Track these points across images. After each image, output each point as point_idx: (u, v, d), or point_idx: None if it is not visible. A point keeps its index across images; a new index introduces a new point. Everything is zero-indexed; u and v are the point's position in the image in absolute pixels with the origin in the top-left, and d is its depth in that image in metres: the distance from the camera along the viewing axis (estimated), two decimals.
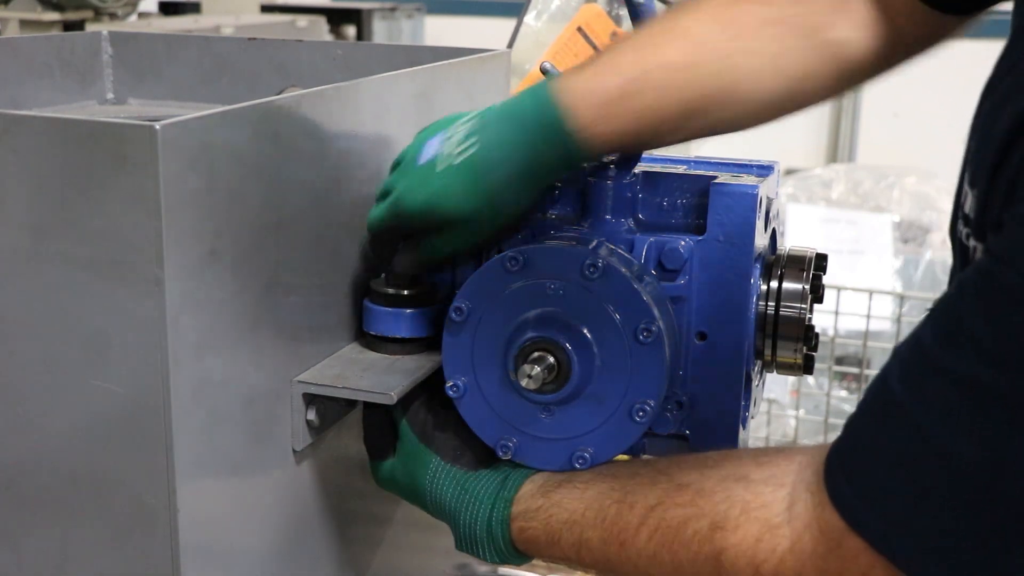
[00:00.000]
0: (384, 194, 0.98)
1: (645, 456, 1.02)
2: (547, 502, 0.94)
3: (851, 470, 0.78)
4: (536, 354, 0.90)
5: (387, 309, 1.01)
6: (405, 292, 1.01)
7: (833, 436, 0.88)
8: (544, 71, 0.97)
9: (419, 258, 1.01)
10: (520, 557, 0.97)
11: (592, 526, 0.91)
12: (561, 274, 0.92)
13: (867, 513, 0.77)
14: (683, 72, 0.91)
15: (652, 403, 0.92)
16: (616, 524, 0.90)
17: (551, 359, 0.90)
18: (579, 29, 2.00)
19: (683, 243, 0.96)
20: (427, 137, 0.96)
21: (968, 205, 0.79)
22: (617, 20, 2.16)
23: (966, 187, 0.80)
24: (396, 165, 0.99)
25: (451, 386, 0.96)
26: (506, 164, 0.91)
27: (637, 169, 1.00)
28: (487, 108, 0.94)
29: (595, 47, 2.02)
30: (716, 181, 0.97)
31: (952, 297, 0.75)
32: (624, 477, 0.93)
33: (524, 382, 0.89)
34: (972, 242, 0.79)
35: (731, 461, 0.89)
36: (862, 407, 0.80)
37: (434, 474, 0.98)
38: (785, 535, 0.82)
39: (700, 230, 0.97)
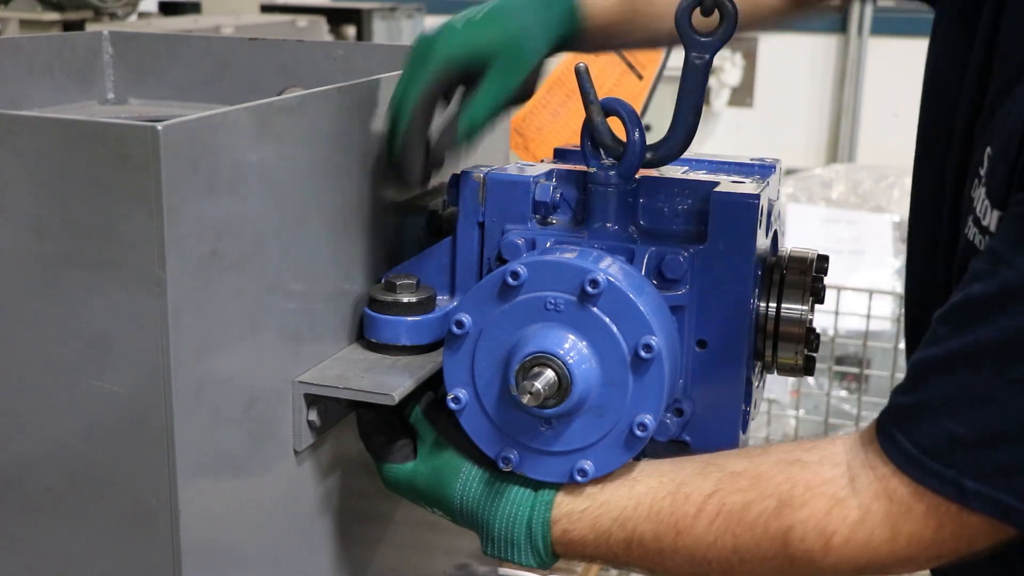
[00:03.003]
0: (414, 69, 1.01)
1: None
2: (593, 503, 0.95)
3: (913, 431, 0.83)
4: (536, 369, 0.90)
5: (388, 317, 1.01)
6: (404, 300, 1.01)
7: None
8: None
9: (460, 131, 1.03)
10: (555, 559, 0.97)
11: (645, 520, 0.92)
12: (562, 288, 0.92)
13: (937, 468, 0.81)
14: None
15: (652, 417, 0.92)
16: (672, 515, 0.91)
17: (552, 374, 0.90)
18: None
19: (683, 254, 0.96)
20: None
21: (979, 203, 0.83)
22: None
23: (979, 189, 0.84)
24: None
25: (452, 398, 0.96)
26: (523, 12, 1.01)
27: (638, 175, 1.00)
28: None
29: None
30: (717, 189, 0.97)
31: (990, 253, 0.80)
32: (671, 471, 0.94)
33: (525, 399, 0.89)
34: (981, 238, 0.83)
35: (777, 448, 0.93)
36: (909, 382, 0.85)
37: (466, 479, 0.97)
38: (854, 506, 0.85)
39: (701, 236, 0.97)
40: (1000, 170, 0.81)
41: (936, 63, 1.01)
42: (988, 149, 0.85)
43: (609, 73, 2.11)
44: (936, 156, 0.98)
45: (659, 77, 2.22)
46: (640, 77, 2.15)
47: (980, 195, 0.84)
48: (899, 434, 0.84)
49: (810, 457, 0.89)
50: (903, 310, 1.08)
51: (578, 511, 0.95)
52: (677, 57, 0.97)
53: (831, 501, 0.86)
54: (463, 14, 1.02)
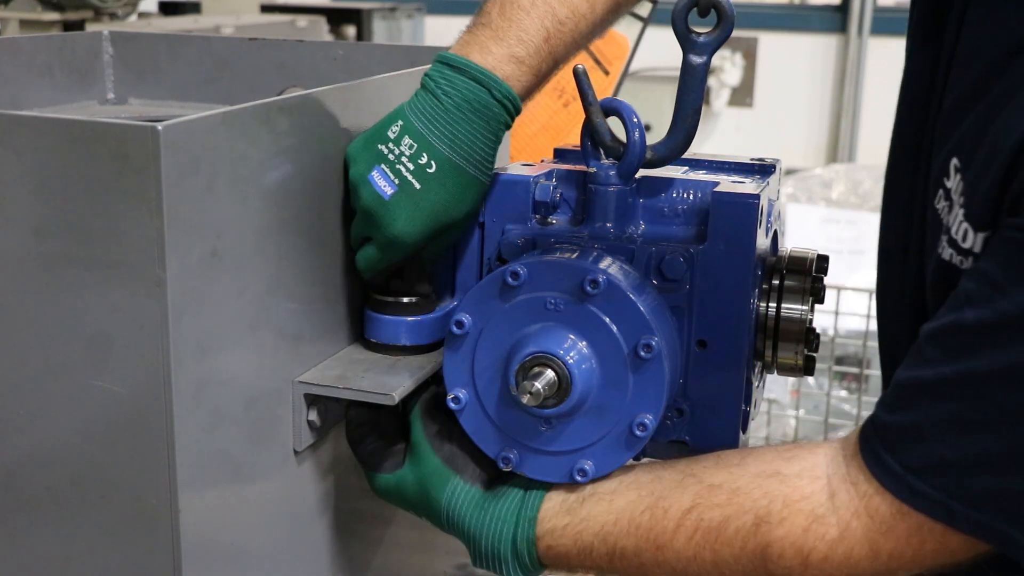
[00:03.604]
0: (362, 240, 0.98)
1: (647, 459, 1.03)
2: (574, 519, 0.95)
3: (901, 452, 0.82)
4: (536, 369, 0.90)
5: (388, 317, 1.01)
6: (405, 300, 1.01)
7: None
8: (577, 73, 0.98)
9: (426, 268, 1.03)
10: (543, 568, 0.98)
11: (625, 535, 0.92)
12: (561, 289, 0.92)
13: (925, 489, 0.81)
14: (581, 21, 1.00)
15: (652, 417, 0.92)
16: (652, 530, 0.91)
17: (552, 374, 0.90)
18: None
19: (683, 254, 0.96)
20: (365, 174, 0.95)
21: (955, 224, 0.82)
22: None
23: (951, 206, 0.83)
24: (360, 213, 0.97)
25: (452, 398, 0.96)
26: (478, 146, 0.95)
27: (638, 175, 1.00)
28: (401, 113, 0.95)
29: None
30: (717, 189, 0.97)
31: (983, 277, 0.78)
32: (649, 483, 0.94)
33: (525, 399, 0.89)
34: (960, 257, 0.82)
35: (755, 458, 0.92)
36: (897, 400, 0.84)
37: (452, 493, 0.98)
38: (832, 524, 0.85)
39: (701, 236, 0.97)
40: (980, 192, 0.80)
41: (906, 79, 1.01)
42: (954, 160, 0.84)
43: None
44: (906, 168, 0.98)
45: (625, 72, 2.23)
46: (607, 72, 2.17)
47: (956, 216, 0.83)
48: (886, 454, 0.83)
49: (789, 469, 0.89)
50: (876, 322, 1.07)
51: (560, 527, 0.95)
52: (674, 57, 0.97)
53: (809, 518, 0.86)
54: (401, 161, 0.94)
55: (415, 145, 0.93)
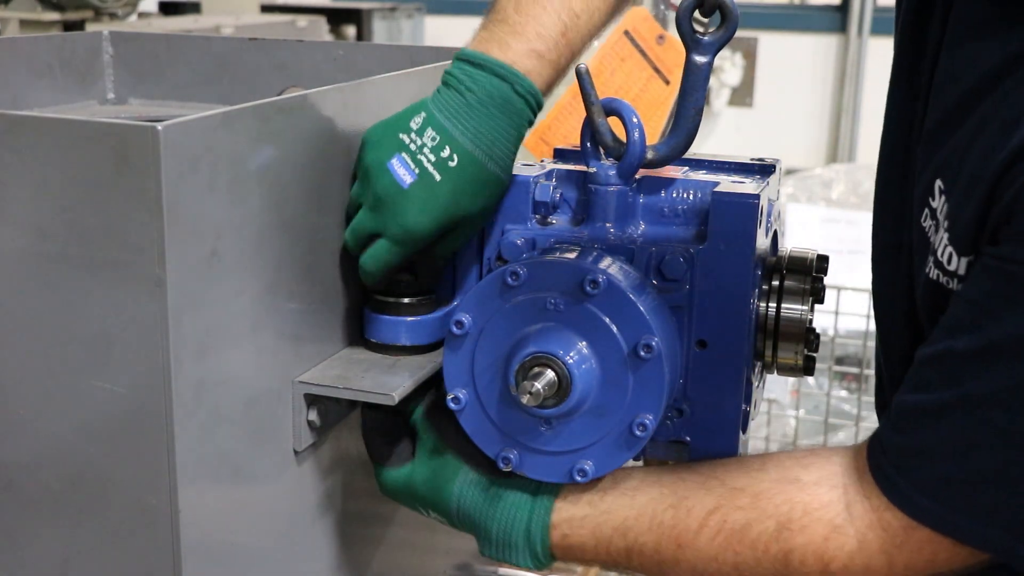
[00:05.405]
0: (373, 235, 0.97)
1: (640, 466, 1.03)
2: (594, 511, 0.95)
3: (908, 471, 0.86)
4: (536, 369, 0.90)
5: (388, 317, 1.01)
6: (405, 300, 1.01)
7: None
8: (579, 74, 0.98)
9: (439, 265, 1.03)
10: (552, 560, 0.98)
11: (647, 531, 0.94)
12: (561, 289, 0.92)
13: (932, 506, 0.84)
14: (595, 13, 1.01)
15: (652, 418, 0.92)
16: (674, 528, 0.93)
17: (552, 374, 0.90)
18: (626, 33, 2.01)
19: (684, 254, 0.96)
20: (384, 161, 0.94)
21: (941, 247, 0.85)
22: (663, 23, 2.16)
23: (942, 233, 0.86)
24: (372, 203, 0.96)
25: (452, 398, 0.96)
26: (499, 141, 0.95)
27: (638, 175, 1.00)
28: (424, 106, 0.95)
29: (642, 51, 2.04)
30: (717, 189, 0.97)
31: (970, 305, 0.82)
32: (671, 482, 0.95)
33: (525, 399, 0.90)
34: (947, 278, 0.85)
35: (775, 464, 0.94)
36: (902, 423, 0.87)
37: (464, 482, 0.98)
38: (851, 535, 0.88)
39: (701, 236, 0.97)
40: (962, 219, 0.82)
41: (891, 103, 1.02)
42: (939, 182, 0.87)
43: (635, 78, 2.10)
44: (895, 181, 1.00)
45: None
46: (667, 82, 2.14)
47: (941, 239, 0.85)
48: (894, 472, 0.87)
49: (808, 476, 0.92)
50: (874, 326, 1.08)
51: (579, 517, 0.96)
52: None
53: (828, 527, 0.89)
54: (422, 152, 0.93)
55: (438, 137, 0.93)
